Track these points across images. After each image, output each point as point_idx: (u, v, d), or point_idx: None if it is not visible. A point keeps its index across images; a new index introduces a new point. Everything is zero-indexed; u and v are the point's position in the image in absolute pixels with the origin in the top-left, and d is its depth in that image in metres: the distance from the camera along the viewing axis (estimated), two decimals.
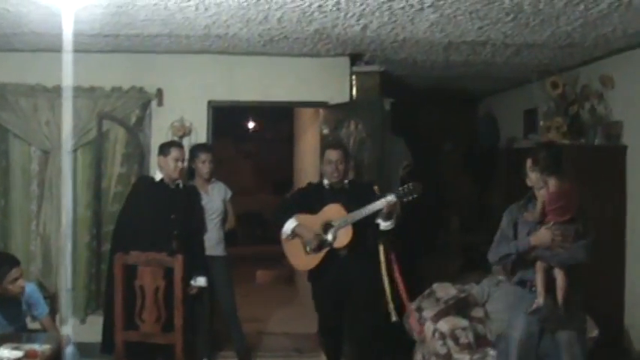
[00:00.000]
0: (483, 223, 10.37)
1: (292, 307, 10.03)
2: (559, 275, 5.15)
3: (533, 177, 5.33)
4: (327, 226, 6.35)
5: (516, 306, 5.35)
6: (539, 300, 5.16)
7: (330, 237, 6.34)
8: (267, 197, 16.73)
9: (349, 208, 6.24)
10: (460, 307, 6.81)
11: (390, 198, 6.09)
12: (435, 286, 7.20)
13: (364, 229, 6.32)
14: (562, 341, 5.18)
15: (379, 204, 6.12)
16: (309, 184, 7.04)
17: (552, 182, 5.18)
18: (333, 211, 6.34)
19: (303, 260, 6.53)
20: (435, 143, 11.28)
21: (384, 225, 6.30)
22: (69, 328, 7.23)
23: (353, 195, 6.39)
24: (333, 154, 6.47)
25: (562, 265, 5.13)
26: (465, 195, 11.16)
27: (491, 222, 9.82)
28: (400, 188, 6.13)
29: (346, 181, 6.56)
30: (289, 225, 6.45)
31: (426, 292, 7.18)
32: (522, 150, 8.60)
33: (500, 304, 5.93)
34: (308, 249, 6.41)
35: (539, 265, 5.22)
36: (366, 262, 6.48)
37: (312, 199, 6.51)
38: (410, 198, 6.09)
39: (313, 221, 6.39)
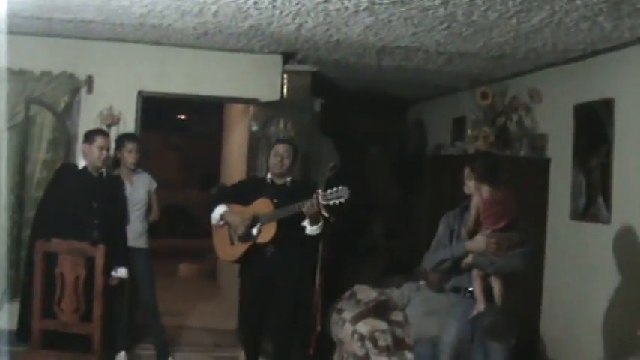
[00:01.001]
0: (408, 228, 10.47)
1: (213, 302, 9.98)
2: (496, 283, 5.20)
3: (471, 185, 5.38)
4: (254, 220, 6.31)
5: (448, 311, 5.39)
6: (480, 306, 5.20)
7: (254, 231, 6.30)
8: (193, 192, 16.70)
9: (281, 205, 6.19)
10: (380, 309, 6.84)
11: (315, 200, 6.06)
12: (356, 287, 7.24)
13: (294, 228, 6.25)
14: (492, 348, 5.23)
15: (304, 204, 6.05)
16: (253, 176, 7.10)
17: (486, 190, 5.23)
18: (261, 205, 6.30)
19: (227, 250, 6.52)
20: (364, 146, 11.32)
21: (309, 229, 6.24)
22: None
23: (291, 193, 6.31)
24: (281, 148, 6.45)
25: (498, 273, 5.19)
26: (391, 199, 11.22)
27: (416, 227, 10.05)
28: (329, 191, 6.02)
29: (289, 179, 6.51)
30: (218, 210, 6.41)
31: (347, 293, 7.22)
32: (449, 157, 8.70)
33: (420, 308, 5.98)
34: (234, 239, 6.39)
35: (476, 273, 5.26)
36: (293, 262, 6.42)
37: (249, 192, 6.46)
38: (336, 202, 6.05)
39: (243, 213, 6.34)
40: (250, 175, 7.27)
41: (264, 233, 6.24)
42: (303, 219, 6.20)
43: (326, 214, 6.16)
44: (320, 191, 6.07)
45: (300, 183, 6.83)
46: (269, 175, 6.54)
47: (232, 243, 6.44)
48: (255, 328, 6.63)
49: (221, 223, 6.44)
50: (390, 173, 11.41)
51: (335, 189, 6.00)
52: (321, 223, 6.26)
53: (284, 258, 6.34)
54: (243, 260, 6.44)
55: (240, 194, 6.50)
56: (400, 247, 10.02)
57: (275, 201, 6.27)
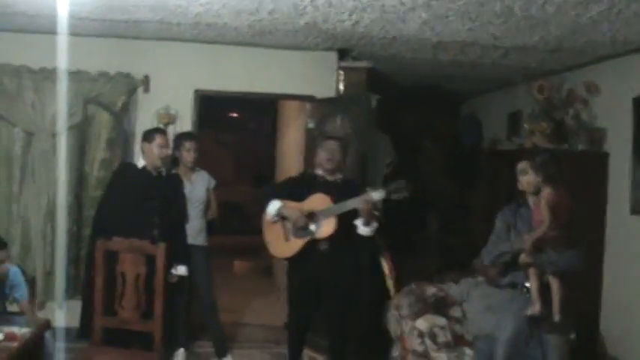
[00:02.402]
0: (463, 224, 10.41)
1: (270, 299, 10.02)
2: (554, 283, 5.20)
3: (524, 181, 5.38)
4: (310, 216, 6.27)
5: (505, 307, 5.39)
6: (536, 306, 5.21)
7: (313, 227, 6.25)
8: (247, 189, 16.72)
9: (337, 202, 6.16)
10: (439, 305, 6.81)
11: (376, 194, 6.03)
12: (414, 284, 7.21)
13: (349, 224, 6.22)
14: (550, 345, 5.22)
15: (365, 197, 6.02)
16: (302, 173, 7.03)
17: (549, 188, 5.23)
18: (318, 200, 6.26)
19: (282, 247, 6.45)
20: (418, 142, 11.30)
21: (362, 229, 6.21)
22: (47, 312, 7.22)
23: (344, 190, 6.28)
24: (331, 143, 6.42)
25: (556, 273, 5.18)
26: (446, 195, 11.18)
27: (472, 223, 10.00)
28: (392, 185, 6.04)
29: (340, 176, 6.47)
30: (274, 205, 6.36)
31: (405, 290, 7.19)
32: (505, 152, 8.65)
33: (478, 304, 5.96)
34: (289, 235, 6.38)
35: (533, 272, 5.26)
36: (347, 258, 6.39)
37: (301, 188, 6.43)
38: (399, 196, 6.04)
39: (300, 208, 6.31)
40: (303, 172, 7.24)
41: (325, 228, 6.19)
42: (355, 217, 6.18)
43: (377, 213, 6.18)
44: (369, 188, 6.13)
45: (351, 181, 6.75)
46: (320, 172, 6.48)
47: (287, 239, 6.38)
48: (304, 326, 6.64)
49: (276, 218, 6.41)
50: (446, 168, 11.38)
51: (397, 182, 6.01)
52: (375, 225, 6.24)
53: (337, 254, 6.30)
54: (298, 257, 6.40)
55: (292, 191, 6.47)
56: (456, 242, 9.97)
57: (332, 197, 6.24)
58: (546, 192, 5.24)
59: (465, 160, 10.79)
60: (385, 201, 6.19)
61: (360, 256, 6.76)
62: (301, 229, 6.30)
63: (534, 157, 5.44)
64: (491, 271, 5.87)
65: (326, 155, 6.37)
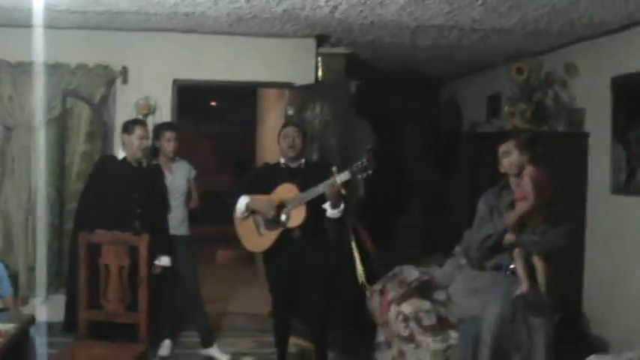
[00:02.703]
0: (445, 206, 10.43)
1: (253, 287, 10.02)
2: (539, 263, 5.23)
3: (506, 162, 5.40)
4: (280, 207, 6.28)
5: (491, 289, 5.41)
6: (524, 286, 5.23)
7: (283, 217, 6.26)
8: (229, 178, 16.66)
9: (304, 188, 6.17)
10: (423, 289, 6.83)
11: (341, 176, 6.03)
12: (398, 268, 7.22)
13: (318, 209, 6.24)
14: (536, 325, 5.24)
15: (330, 181, 6.03)
16: (265, 164, 7.01)
17: (531, 167, 5.26)
18: (286, 190, 6.27)
19: (255, 241, 6.45)
20: (399, 126, 11.29)
21: (330, 212, 6.22)
22: (31, 307, 7.20)
23: (309, 175, 6.29)
24: (289, 130, 6.41)
25: (541, 253, 5.22)
26: (427, 179, 11.19)
27: (454, 205, 10.02)
28: (354, 165, 6.01)
29: (303, 161, 6.47)
30: (242, 201, 6.36)
31: (390, 274, 7.20)
32: (485, 135, 8.66)
33: (463, 288, 5.95)
34: (260, 228, 6.39)
35: (518, 252, 5.29)
36: (320, 242, 6.44)
37: (266, 180, 6.43)
38: (364, 174, 6.04)
39: (268, 200, 6.31)
40: (266, 162, 7.25)
41: (295, 217, 6.20)
42: (324, 201, 6.19)
43: (344, 192, 6.18)
44: (335, 168, 6.11)
45: (315, 163, 6.88)
46: (282, 160, 6.49)
47: (260, 233, 6.39)
48: (287, 313, 6.65)
49: (246, 214, 6.40)
50: (426, 152, 11.38)
51: (361, 161, 6.01)
52: (342, 207, 6.23)
53: (311, 240, 6.32)
54: (272, 248, 6.39)
55: (258, 183, 6.47)
56: (438, 225, 9.98)
57: (298, 185, 6.25)
58: (529, 170, 5.26)
59: (446, 144, 10.81)
60: (367, 187, 6.23)
61: (333, 239, 6.79)
62: (272, 221, 6.32)
63: (519, 137, 5.45)
64: (474, 254, 5.88)
65: (286, 143, 6.37)
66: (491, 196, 5.58)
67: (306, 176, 6.30)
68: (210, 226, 11.47)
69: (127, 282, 5.81)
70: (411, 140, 11.50)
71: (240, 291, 9.99)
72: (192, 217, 7.48)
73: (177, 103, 8.09)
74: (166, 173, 7.11)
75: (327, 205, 6.20)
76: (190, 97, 9.05)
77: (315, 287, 6.40)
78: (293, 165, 6.44)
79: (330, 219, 6.31)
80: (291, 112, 8.01)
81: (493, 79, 9.58)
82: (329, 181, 6.01)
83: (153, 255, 6.38)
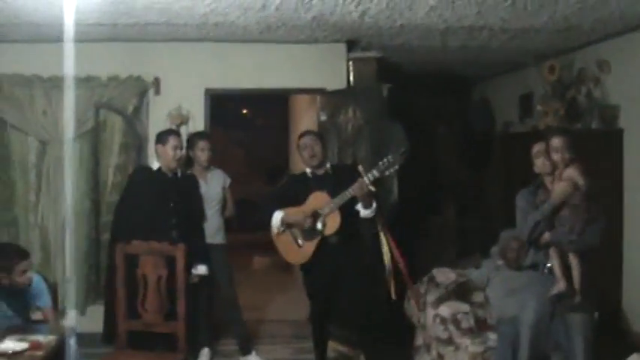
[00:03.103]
0: (479, 207, 10.40)
1: (290, 294, 10.00)
2: (574, 261, 5.22)
3: (540, 162, 5.39)
4: (315, 216, 6.28)
5: (528, 289, 5.40)
6: (560, 285, 5.23)
7: (319, 226, 6.27)
8: (262, 186, 16.69)
9: (334, 194, 6.18)
10: (461, 291, 6.81)
11: (369, 176, 6.02)
12: (435, 271, 7.19)
13: (351, 212, 6.25)
14: (574, 323, 5.23)
15: (359, 183, 6.03)
16: (292, 175, 7.14)
17: (568, 166, 5.24)
18: (317, 199, 6.28)
19: (296, 254, 6.47)
20: (431, 128, 11.27)
21: (363, 213, 6.24)
22: (70, 319, 7.23)
23: (337, 179, 6.32)
24: (306, 140, 6.45)
25: (577, 251, 5.20)
26: (461, 180, 11.15)
27: (488, 206, 9.99)
28: (380, 162, 6.03)
29: (328, 165, 6.52)
30: (277, 217, 6.39)
31: (426, 277, 7.18)
32: (518, 135, 8.63)
33: (500, 289, 5.94)
34: (299, 240, 6.40)
35: (554, 251, 5.28)
36: (356, 246, 6.45)
37: (296, 191, 6.45)
38: (391, 170, 6.04)
39: (303, 211, 6.32)
40: (291, 174, 7.28)
41: (330, 224, 6.22)
42: (356, 203, 6.20)
43: (373, 189, 6.16)
44: (361, 167, 6.17)
45: (341, 166, 6.92)
46: (307, 170, 6.52)
47: (300, 245, 6.41)
48: (326, 318, 6.66)
49: (282, 228, 6.43)
50: (459, 153, 11.35)
51: (385, 159, 6.03)
52: (374, 205, 6.25)
53: (347, 245, 6.32)
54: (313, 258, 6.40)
55: (288, 196, 6.48)
56: (473, 226, 9.96)
57: (328, 191, 6.27)
58: (566, 169, 5.25)
59: (478, 144, 10.77)
60: (400, 190, 6.24)
61: (367, 241, 6.78)
62: (309, 231, 6.33)
63: (553, 137, 5.41)
64: (510, 254, 5.88)
65: (307, 153, 6.41)
66: (527, 194, 5.57)
67: (334, 181, 6.33)
68: (245, 233, 11.49)
69: (164, 292, 5.86)
70: (443, 142, 11.48)
71: (277, 298, 9.99)
72: (228, 226, 7.50)
73: (209, 112, 8.10)
74: (201, 182, 7.13)
75: (359, 206, 6.22)
76: (222, 105, 9.09)
77: (353, 291, 6.39)
78: (319, 172, 6.47)
79: (364, 220, 6.33)
80: (323, 117, 8.01)
81: (524, 78, 9.53)
82: (358, 183, 6.02)
83: (190, 264, 6.42)
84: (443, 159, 11.39)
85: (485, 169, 10.40)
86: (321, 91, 8.13)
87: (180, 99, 7.90)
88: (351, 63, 8.07)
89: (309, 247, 6.34)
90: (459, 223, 10.59)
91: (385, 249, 6.69)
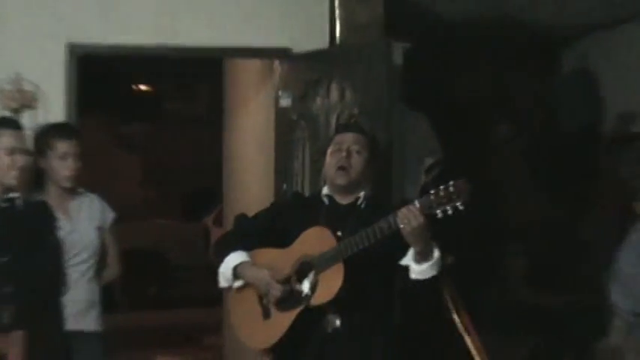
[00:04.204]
0: (574, 271, 10.44)
1: None
2: None
3: None
4: (303, 267, 6.01)
5: None
6: None
7: (305, 286, 5.96)
8: (172, 225, 16.70)
9: (344, 234, 5.86)
10: None
11: (423, 201, 5.50)
12: None
13: (373, 272, 5.94)
14: None
15: (404, 211, 5.49)
16: (296, 194, 6.97)
17: None
18: (313, 238, 5.96)
19: (258, 331, 6.20)
20: (484, 125, 11.32)
21: (418, 270, 5.75)
22: None
23: (367, 218, 5.88)
24: (346, 138, 6.15)
25: None
26: (536, 216, 11.20)
27: (590, 269, 10.03)
28: (432, 191, 5.45)
29: (362, 194, 6.17)
30: (231, 260, 6.17)
31: None
32: None
33: None
34: (269, 308, 6.07)
35: None
36: (385, 338, 6.09)
37: (295, 221, 6.20)
38: (450, 208, 5.78)
39: (281, 258, 6.09)
40: (284, 191, 7.18)
41: (324, 287, 5.82)
42: (394, 255, 5.87)
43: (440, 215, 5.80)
44: (416, 203, 5.52)
45: (379, 201, 6.42)
46: (325, 191, 6.28)
47: (267, 315, 6.16)
48: None
49: (237, 284, 6.27)
50: (534, 169, 11.40)
51: (445, 186, 5.58)
52: (437, 256, 5.77)
53: (360, 334, 5.99)
54: (287, 345, 6.12)
55: (276, 227, 6.31)
56: (563, 306, 10.01)
57: (338, 230, 5.95)
58: None
59: (572, 155, 10.83)
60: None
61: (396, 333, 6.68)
62: (288, 294, 6.03)
63: None
64: None
65: (336, 160, 6.09)
66: None
67: (360, 219, 5.98)
68: (141, 311, 11.55)
69: None
70: (508, 150, 11.51)
71: None
72: (110, 298, 7.51)
73: (77, 88, 8.13)
74: (59, 217, 7.11)
75: (408, 258, 5.82)
76: (103, 77, 9.10)
77: None
78: (343, 200, 6.22)
79: (414, 284, 5.87)
80: (285, 101, 8.05)
81: None
82: (405, 211, 5.47)
83: None
84: (508, 181, 11.43)
85: (583, 198, 10.46)
86: (282, 54, 8.23)
87: (20, 62, 7.97)
88: (337, 3, 8.12)
89: (282, 322, 6.03)
90: (532, 298, 10.63)
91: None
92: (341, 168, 5.99)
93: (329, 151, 6.15)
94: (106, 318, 7.41)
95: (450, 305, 6.69)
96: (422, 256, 5.66)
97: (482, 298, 10.51)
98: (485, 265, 10.73)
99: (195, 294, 6.79)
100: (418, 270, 5.71)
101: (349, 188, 6.09)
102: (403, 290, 6.08)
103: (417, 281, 5.75)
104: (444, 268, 5.85)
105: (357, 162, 6.03)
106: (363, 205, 6.13)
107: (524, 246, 11.04)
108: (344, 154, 6.02)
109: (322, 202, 6.22)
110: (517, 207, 11.22)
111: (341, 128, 6.58)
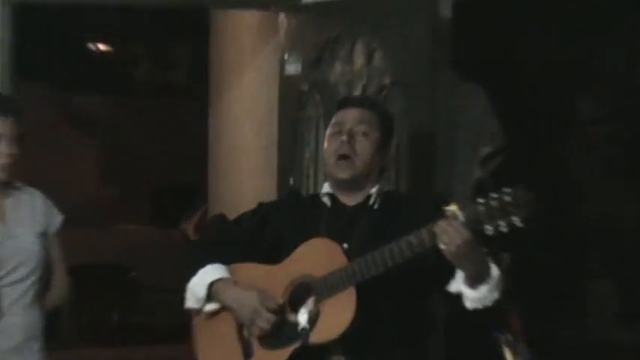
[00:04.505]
0: None
1: None
2: None
3: None
4: (299, 292, 6.01)
5: None
6: None
7: (302, 317, 5.73)
8: (140, 232, 16.75)
9: (363, 249, 5.76)
10: None
11: (469, 211, 5.41)
12: None
13: (395, 299, 5.90)
14: None
15: (445, 223, 5.37)
16: (292, 192, 6.97)
17: None
18: (315, 254, 5.95)
19: None
20: (561, 102, 11.33)
21: (474, 297, 5.65)
22: None
23: (385, 223, 5.94)
24: (349, 115, 6.09)
25: None
26: (630, 226, 11.21)
27: None
28: (481, 200, 5.39)
29: (373, 191, 6.13)
30: (207, 275, 6.11)
31: None
32: None
33: None
34: (251, 344, 6.04)
35: None
36: None
37: (289, 229, 6.19)
38: (505, 224, 5.71)
39: (271, 278, 6.08)
40: (291, 187, 7.16)
41: (327, 320, 5.77)
42: (434, 277, 5.87)
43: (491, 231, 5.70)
44: (455, 207, 5.46)
45: (399, 197, 6.69)
46: (326, 189, 6.27)
47: (249, 354, 6.13)
48: None
49: (210, 307, 6.22)
50: (629, 163, 11.42)
51: (499, 194, 5.45)
52: (497, 274, 5.70)
53: None
54: None
55: (258, 237, 6.30)
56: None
57: (343, 241, 5.96)
58: None
59: None
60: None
61: None
62: (279, 327, 6.03)
63: None
64: None
65: (335, 146, 6.02)
66: None
67: (375, 225, 5.99)
68: (98, 348, 11.63)
69: None
70: (590, 139, 11.54)
71: None
72: (54, 328, 7.52)
73: (12, 47, 8.14)
74: None
75: (458, 282, 5.71)
76: (48, 34, 9.12)
77: None
78: (349, 200, 6.17)
79: (472, 315, 5.82)
80: (293, 67, 8.07)
81: None
82: (444, 224, 5.34)
83: None
84: (590, 178, 11.45)
85: None
86: (289, 3, 8.16)
87: None
88: None
89: None
90: (623, 338, 10.67)
91: None
92: (342, 157, 5.90)
93: (327, 134, 6.08)
94: (50, 356, 7.42)
95: (508, 341, 6.51)
96: (476, 279, 5.51)
97: (553, 334, 10.55)
98: (559, 291, 10.75)
99: (170, 322, 6.65)
100: (475, 297, 5.58)
101: (355, 184, 6.04)
102: (456, 325, 6.02)
103: (476, 311, 5.58)
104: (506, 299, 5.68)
105: (363, 147, 5.93)
106: (376, 206, 6.06)
107: (613, 265, 11.06)
108: (344, 137, 5.91)
109: (323, 203, 6.16)
110: (604, 213, 11.23)
111: (342, 103, 6.44)
